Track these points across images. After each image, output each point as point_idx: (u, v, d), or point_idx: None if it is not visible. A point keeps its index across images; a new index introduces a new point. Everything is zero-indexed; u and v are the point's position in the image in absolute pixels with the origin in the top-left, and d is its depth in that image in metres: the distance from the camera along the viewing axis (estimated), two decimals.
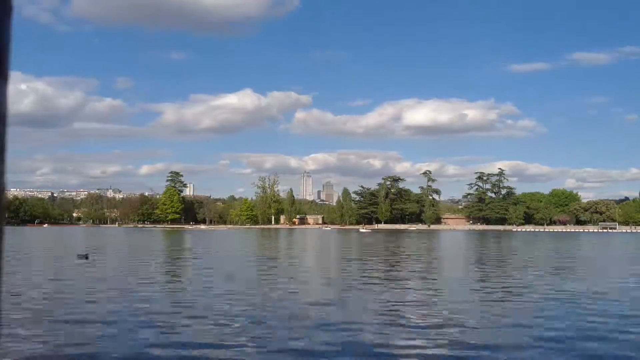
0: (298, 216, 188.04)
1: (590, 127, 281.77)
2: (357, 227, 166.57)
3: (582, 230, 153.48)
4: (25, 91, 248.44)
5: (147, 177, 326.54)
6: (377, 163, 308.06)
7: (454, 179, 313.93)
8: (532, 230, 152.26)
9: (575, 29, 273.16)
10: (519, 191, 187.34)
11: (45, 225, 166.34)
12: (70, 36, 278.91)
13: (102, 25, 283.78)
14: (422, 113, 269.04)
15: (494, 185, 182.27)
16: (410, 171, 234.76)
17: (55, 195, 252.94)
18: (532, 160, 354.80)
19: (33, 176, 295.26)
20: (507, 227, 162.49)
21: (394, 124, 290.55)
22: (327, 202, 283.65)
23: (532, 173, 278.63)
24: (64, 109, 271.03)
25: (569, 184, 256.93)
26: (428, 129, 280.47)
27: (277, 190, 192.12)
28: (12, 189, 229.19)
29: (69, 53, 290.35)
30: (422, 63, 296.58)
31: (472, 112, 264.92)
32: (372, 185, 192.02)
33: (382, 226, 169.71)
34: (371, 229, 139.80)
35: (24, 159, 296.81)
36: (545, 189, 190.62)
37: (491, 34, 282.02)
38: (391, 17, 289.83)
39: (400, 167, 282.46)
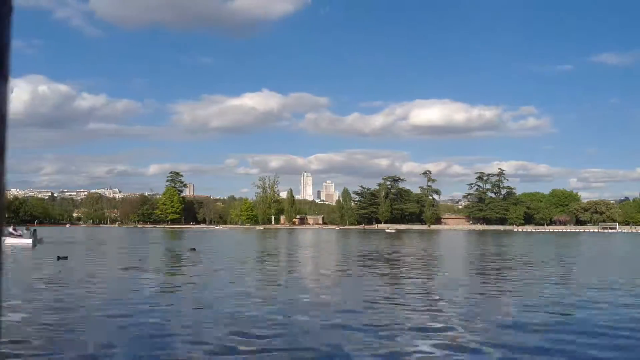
0: (298, 216, 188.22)
1: (600, 127, 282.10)
2: (357, 227, 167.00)
3: (582, 230, 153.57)
4: (44, 93, 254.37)
5: (155, 177, 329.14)
6: (384, 163, 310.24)
7: (458, 179, 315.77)
8: (532, 230, 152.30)
9: (590, 31, 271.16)
10: (528, 191, 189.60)
11: (68, 225, 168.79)
12: (89, 38, 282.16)
13: (123, 26, 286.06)
14: (433, 113, 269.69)
15: (494, 185, 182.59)
16: (417, 171, 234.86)
17: (55, 195, 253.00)
18: (540, 160, 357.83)
19: (42, 176, 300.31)
20: (507, 227, 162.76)
21: (403, 124, 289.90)
22: (327, 202, 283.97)
23: (540, 173, 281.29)
24: (79, 110, 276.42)
25: (576, 184, 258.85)
26: (439, 129, 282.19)
27: (277, 190, 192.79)
28: (23, 189, 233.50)
29: (87, 54, 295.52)
30: (437, 64, 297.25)
31: (483, 113, 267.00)
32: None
33: (382, 226, 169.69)
34: (396, 230, 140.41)
35: (35, 160, 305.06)
36: (551, 189, 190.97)
37: (506, 35, 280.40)
38: (409, 19, 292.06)
39: (408, 167, 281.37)
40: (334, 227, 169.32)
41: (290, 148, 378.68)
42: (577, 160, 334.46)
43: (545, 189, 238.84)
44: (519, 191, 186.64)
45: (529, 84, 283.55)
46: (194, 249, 40.04)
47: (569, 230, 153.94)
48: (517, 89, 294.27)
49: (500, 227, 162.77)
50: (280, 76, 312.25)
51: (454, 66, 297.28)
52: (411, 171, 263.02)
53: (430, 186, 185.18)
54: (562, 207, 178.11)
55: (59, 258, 28.55)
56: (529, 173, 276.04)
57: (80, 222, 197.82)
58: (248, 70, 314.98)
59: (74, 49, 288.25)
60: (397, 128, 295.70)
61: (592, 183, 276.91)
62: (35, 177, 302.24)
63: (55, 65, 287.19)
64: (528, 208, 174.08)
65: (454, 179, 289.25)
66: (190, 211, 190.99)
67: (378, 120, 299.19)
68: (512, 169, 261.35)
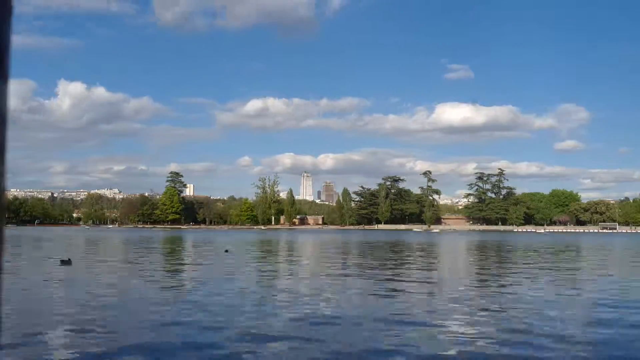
0: (298, 216, 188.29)
1: (618, 128, 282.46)
2: (357, 227, 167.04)
3: (582, 230, 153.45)
4: (90, 97, 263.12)
5: (161, 177, 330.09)
6: (398, 162, 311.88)
7: (464, 180, 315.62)
8: (533, 230, 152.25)
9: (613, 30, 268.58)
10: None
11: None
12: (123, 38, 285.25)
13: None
14: (457, 114, 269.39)
15: (494, 185, 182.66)
16: (432, 170, 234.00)
17: (55, 195, 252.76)
18: (556, 162, 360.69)
19: (58, 175, 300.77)
20: (507, 228, 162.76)
21: (426, 124, 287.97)
22: (326, 203, 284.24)
23: (551, 173, 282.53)
24: (112, 111, 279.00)
25: (587, 184, 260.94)
26: (461, 130, 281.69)
27: (277, 190, 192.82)
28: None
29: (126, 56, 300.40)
30: (465, 62, 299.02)
31: (505, 113, 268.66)
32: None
33: (382, 226, 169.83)
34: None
35: (54, 160, 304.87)
36: (552, 189, 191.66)
37: (533, 35, 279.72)
38: (438, 22, 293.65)
39: (423, 167, 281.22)
40: (334, 227, 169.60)
41: (305, 148, 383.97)
42: (588, 161, 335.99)
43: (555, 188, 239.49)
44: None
45: (549, 84, 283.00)
46: (227, 250, 39.17)
47: (568, 230, 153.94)
48: (536, 89, 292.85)
49: (501, 228, 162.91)
50: (302, 79, 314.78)
51: (480, 65, 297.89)
52: (423, 170, 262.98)
53: (430, 186, 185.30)
54: (562, 207, 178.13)
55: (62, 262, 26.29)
56: (546, 173, 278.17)
57: (80, 223, 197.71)
58: (279, 71, 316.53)
59: (122, 50, 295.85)
60: (417, 128, 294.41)
61: (606, 183, 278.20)
62: (56, 177, 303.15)
63: (98, 67, 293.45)
64: (528, 208, 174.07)
65: (463, 179, 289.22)
66: (190, 211, 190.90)
67: (397, 121, 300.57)
68: (531, 169, 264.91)
